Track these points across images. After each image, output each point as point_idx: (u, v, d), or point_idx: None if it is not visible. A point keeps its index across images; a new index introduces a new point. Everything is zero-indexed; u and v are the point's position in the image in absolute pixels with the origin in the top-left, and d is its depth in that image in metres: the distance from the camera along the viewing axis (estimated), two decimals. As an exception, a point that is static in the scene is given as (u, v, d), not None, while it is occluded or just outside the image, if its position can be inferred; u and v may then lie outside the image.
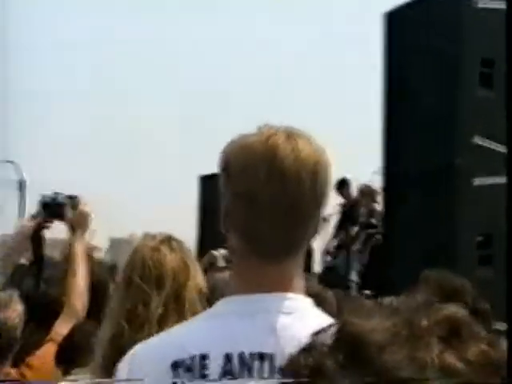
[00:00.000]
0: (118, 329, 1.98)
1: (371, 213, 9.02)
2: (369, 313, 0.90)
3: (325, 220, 8.96)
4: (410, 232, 5.22)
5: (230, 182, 1.48)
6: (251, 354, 1.42)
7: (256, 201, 1.44)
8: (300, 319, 1.42)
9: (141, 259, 2.04)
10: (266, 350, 1.40)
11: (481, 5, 5.06)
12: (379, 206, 8.00)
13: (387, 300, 0.94)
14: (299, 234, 1.47)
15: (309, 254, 11.00)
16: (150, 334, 1.88)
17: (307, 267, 10.63)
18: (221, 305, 1.50)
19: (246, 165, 1.45)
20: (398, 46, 5.58)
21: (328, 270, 10.11)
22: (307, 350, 0.87)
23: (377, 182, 7.44)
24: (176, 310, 2.01)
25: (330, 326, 0.90)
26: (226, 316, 1.46)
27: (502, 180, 5.16)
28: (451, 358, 0.81)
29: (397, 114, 5.53)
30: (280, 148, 1.44)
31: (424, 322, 0.86)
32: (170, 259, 2.05)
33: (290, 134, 1.47)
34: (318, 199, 1.48)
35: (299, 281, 1.50)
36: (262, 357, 1.41)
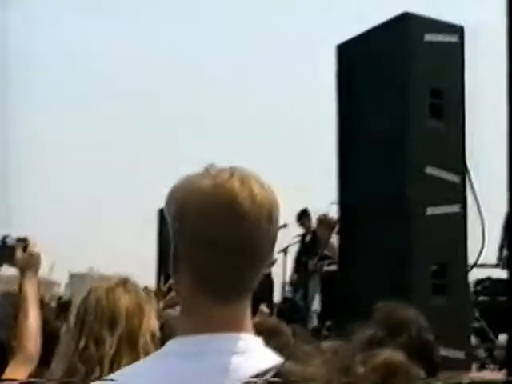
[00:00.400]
0: (70, 368, 1.97)
1: (326, 244, 9.07)
2: (307, 358, 0.91)
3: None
4: (365, 262, 5.25)
5: (186, 226, 1.48)
6: None
7: (215, 245, 1.45)
8: (251, 359, 1.41)
9: (95, 299, 2.04)
10: None
11: (427, 38, 5.17)
12: (335, 238, 8.05)
13: (327, 344, 0.95)
14: (254, 276, 1.50)
15: (271, 287, 11.01)
16: (102, 375, 1.88)
17: (269, 299, 10.64)
18: (171, 345, 1.49)
19: (205, 209, 1.46)
20: (348, 79, 5.66)
21: (288, 301, 10.12)
22: None
23: (335, 213, 7.49)
24: (129, 351, 2.01)
25: (268, 371, 0.91)
26: (176, 357, 1.45)
27: (454, 209, 5.24)
28: None
29: (350, 145, 5.59)
30: (238, 193, 1.45)
31: (360, 369, 0.87)
32: (125, 301, 2.04)
33: (244, 178, 1.49)
34: (273, 241, 1.51)
35: (249, 321, 1.51)
36: None
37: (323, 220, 9.28)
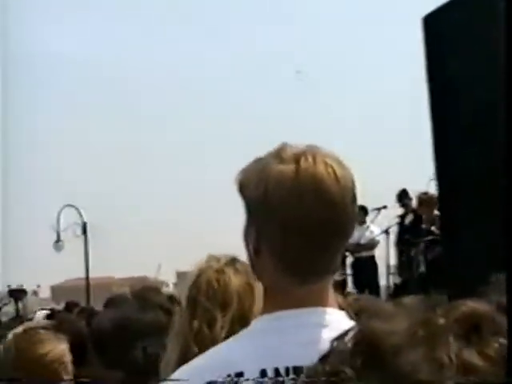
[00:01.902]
0: (186, 350, 1.97)
1: (432, 221, 8.90)
2: (387, 315, 0.89)
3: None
4: (469, 237, 5.12)
5: (272, 211, 1.49)
6: (286, 369, 1.44)
7: (303, 227, 1.48)
8: (335, 330, 1.42)
9: (206, 281, 2.04)
10: (301, 363, 1.40)
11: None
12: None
13: (406, 300, 0.93)
14: (338, 255, 1.54)
15: (375, 269, 10.90)
16: None
17: (375, 282, 10.52)
18: (257, 323, 1.55)
19: (292, 194, 1.48)
20: (438, 52, 5.51)
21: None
22: (326, 356, 0.87)
23: (434, 189, 7.34)
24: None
25: (348, 331, 0.89)
26: (263, 333, 1.50)
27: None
28: (470, 356, 0.79)
29: (445, 118, 5.46)
30: (324, 178, 1.48)
31: (441, 321, 0.85)
32: (235, 282, 2.04)
33: (326, 161, 1.50)
34: (355, 220, 1.58)
35: (332, 295, 1.55)
36: (297, 370, 1.43)
37: (424, 198, 9.13)
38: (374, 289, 10.31)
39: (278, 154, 1.52)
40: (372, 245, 10.82)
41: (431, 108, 5.57)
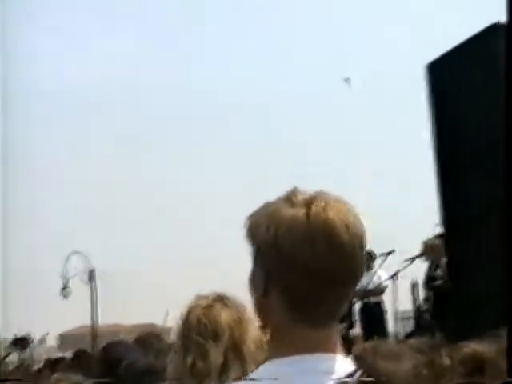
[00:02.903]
0: None
1: (437, 266, 8.87)
2: (393, 355, 0.92)
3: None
4: (474, 278, 5.12)
5: (282, 255, 1.51)
6: None
7: (312, 272, 1.49)
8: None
9: (195, 318, 2.09)
10: None
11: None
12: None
13: (412, 342, 0.97)
14: (346, 300, 1.55)
15: (381, 315, 10.82)
16: None
17: (382, 328, 10.39)
18: (265, 367, 1.54)
19: (302, 239, 1.49)
20: (441, 98, 5.58)
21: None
22: None
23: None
24: (235, 360, 2.04)
25: (356, 370, 0.92)
26: (271, 378, 1.48)
27: None
28: None
29: (448, 160, 5.50)
30: (335, 223, 1.50)
31: (446, 362, 0.88)
32: (225, 315, 2.09)
33: (337, 207, 1.53)
34: (364, 266, 1.58)
35: (339, 342, 1.54)
36: None
37: (429, 245, 9.11)
38: (382, 334, 10.21)
39: (289, 199, 1.54)
40: (380, 290, 10.75)
41: (435, 154, 5.62)
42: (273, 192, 1.60)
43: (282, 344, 1.53)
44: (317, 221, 1.49)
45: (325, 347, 1.50)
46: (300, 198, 1.53)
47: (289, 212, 1.52)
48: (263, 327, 1.59)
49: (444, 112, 5.56)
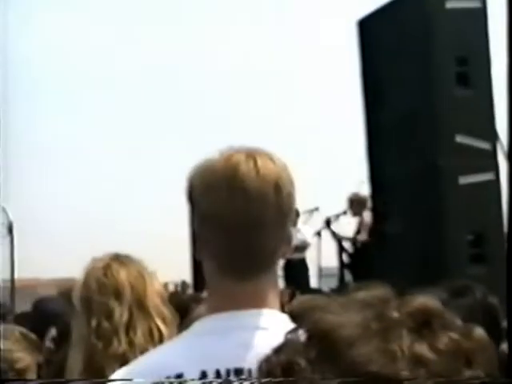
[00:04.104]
0: (89, 350, 1.98)
1: (361, 222, 9.02)
2: (340, 308, 0.89)
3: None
4: (399, 234, 5.22)
5: (195, 205, 1.48)
6: (227, 370, 1.41)
7: (221, 221, 1.44)
8: (276, 335, 1.41)
9: (95, 279, 2.07)
10: (242, 365, 1.39)
11: (449, 5, 5.09)
12: (368, 216, 8.01)
13: (360, 294, 0.94)
14: (268, 250, 1.47)
15: (306, 272, 11.01)
16: (119, 345, 1.90)
17: (306, 285, 10.59)
18: (196, 325, 1.50)
19: (208, 186, 1.45)
20: (372, 53, 5.61)
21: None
22: (280, 348, 0.87)
23: (366, 191, 7.44)
24: (142, 317, 2.03)
25: (303, 324, 0.89)
26: (202, 335, 1.47)
27: (487, 177, 5.17)
28: (422, 349, 0.81)
29: (377, 120, 5.55)
30: (240, 166, 1.44)
31: (395, 315, 0.86)
32: (124, 272, 2.08)
33: (250, 153, 1.47)
34: (283, 214, 1.47)
35: (274, 296, 1.50)
36: (238, 372, 1.40)
37: (354, 199, 9.25)
38: (305, 290, 10.37)
39: (219, 155, 1.48)
40: (303, 247, 10.90)
41: (364, 112, 5.66)
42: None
43: (213, 301, 1.50)
44: (223, 166, 1.45)
45: (254, 302, 1.46)
46: (227, 153, 1.47)
47: (207, 161, 1.47)
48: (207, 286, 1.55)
49: (373, 69, 5.58)
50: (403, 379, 0.78)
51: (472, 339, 0.84)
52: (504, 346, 2.58)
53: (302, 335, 0.86)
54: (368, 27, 5.67)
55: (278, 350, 0.88)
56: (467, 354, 0.82)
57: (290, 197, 1.48)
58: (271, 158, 1.48)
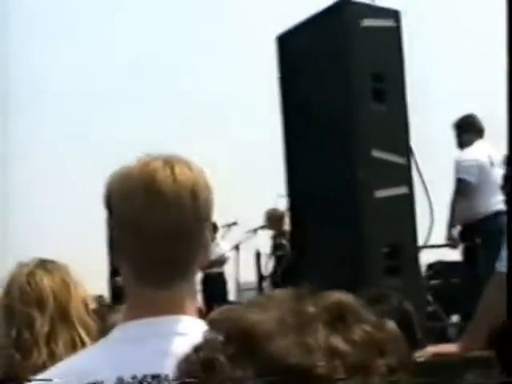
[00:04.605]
0: (6, 360, 1.95)
1: (281, 234, 9.09)
2: (258, 307, 0.91)
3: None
4: (316, 248, 5.29)
5: (113, 211, 1.47)
6: (144, 376, 1.40)
7: (138, 227, 1.43)
8: (195, 340, 1.41)
9: (18, 287, 2.03)
10: (159, 371, 1.38)
11: (365, 23, 5.22)
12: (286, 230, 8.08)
13: (276, 293, 0.96)
14: (185, 255, 1.47)
15: (224, 286, 11.02)
16: (39, 357, 1.87)
17: (223, 299, 10.57)
18: (114, 332, 1.49)
19: (125, 192, 1.45)
20: (290, 69, 5.68)
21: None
22: (199, 347, 0.88)
23: (283, 205, 7.51)
24: (64, 327, 2.00)
25: (221, 322, 0.90)
26: (119, 342, 1.46)
27: (401, 190, 5.30)
28: (337, 341, 0.84)
29: (295, 134, 5.62)
30: (157, 173, 1.43)
31: (311, 309, 0.88)
32: (48, 280, 2.05)
33: (168, 160, 1.47)
34: (201, 221, 1.48)
35: (192, 302, 1.50)
36: (155, 378, 1.39)
37: (272, 214, 9.32)
38: (223, 305, 10.36)
39: (136, 161, 1.48)
40: (221, 261, 10.90)
41: (283, 127, 5.72)
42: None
43: (130, 308, 1.50)
44: (140, 172, 1.44)
45: (172, 309, 1.46)
46: (145, 159, 1.47)
47: (124, 168, 1.47)
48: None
49: (292, 86, 5.66)
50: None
51: (384, 331, 0.87)
52: (416, 355, 2.67)
53: (220, 333, 0.88)
54: (287, 42, 5.75)
55: (197, 349, 0.89)
56: (380, 345, 0.85)
57: (208, 202, 1.49)
58: (188, 165, 1.48)
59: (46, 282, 2.03)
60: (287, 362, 0.81)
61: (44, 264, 2.08)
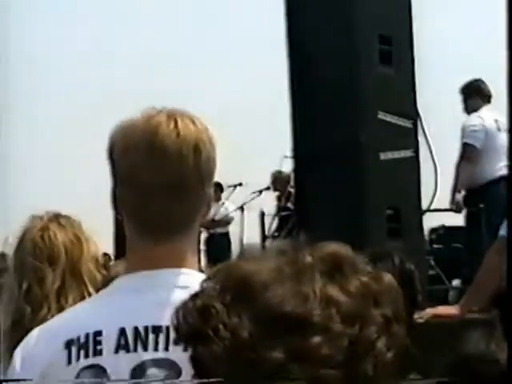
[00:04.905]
0: (18, 313, 1.96)
1: (287, 196, 9.10)
2: (255, 257, 0.92)
3: None
4: (320, 210, 5.29)
5: (114, 164, 1.48)
6: (145, 328, 1.41)
7: (139, 180, 1.43)
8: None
9: (30, 241, 2.04)
10: (160, 323, 1.40)
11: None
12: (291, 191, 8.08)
13: (274, 244, 0.97)
14: (186, 211, 1.47)
15: (228, 245, 11.06)
16: (49, 312, 1.89)
17: (227, 258, 10.62)
18: (114, 284, 1.51)
19: (128, 145, 1.45)
20: (297, 25, 5.62)
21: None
22: (196, 295, 0.89)
23: (288, 166, 7.50)
24: (74, 283, 2.02)
25: (218, 272, 0.91)
26: (119, 293, 1.47)
27: (406, 154, 5.30)
28: (333, 290, 0.85)
29: (301, 95, 5.59)
30: (161, 127, 1.43)
31: (308, 259, 0.89)
32: (61, 236, 2.05)
33: (172, 114, 1.46)
34: (203, 176, 1.47)
35: (193, 257, 1.51)
36: (156, 330, 1.41)
37: (277, 176, 9.32)
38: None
39: (141, 114, 1.47)
40: (226, 221, 10.93)
41: (290, 89, 5.68)
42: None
43: (132, 261, 1.51)
44: (145, 130, 1.44)
45: (172, 262, 1.47)
46: (149, 113, 1.47)
47: (128, 121, 1.47)
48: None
49: (300, 42, 5.60)
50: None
51: (381, 283, 0.88)
52: (416, 316, 2.69)
53: (217, 282, 0.89)
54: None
55: (194, 296, 0.90)
56: (375, 296, 0.86)
57: (210, 159, 1.48)
58: (193, 120, 1.47)
59: (59, 237, 2.03)
60: (283, 309, 0.82)
61: (58, 218, 2.08)
